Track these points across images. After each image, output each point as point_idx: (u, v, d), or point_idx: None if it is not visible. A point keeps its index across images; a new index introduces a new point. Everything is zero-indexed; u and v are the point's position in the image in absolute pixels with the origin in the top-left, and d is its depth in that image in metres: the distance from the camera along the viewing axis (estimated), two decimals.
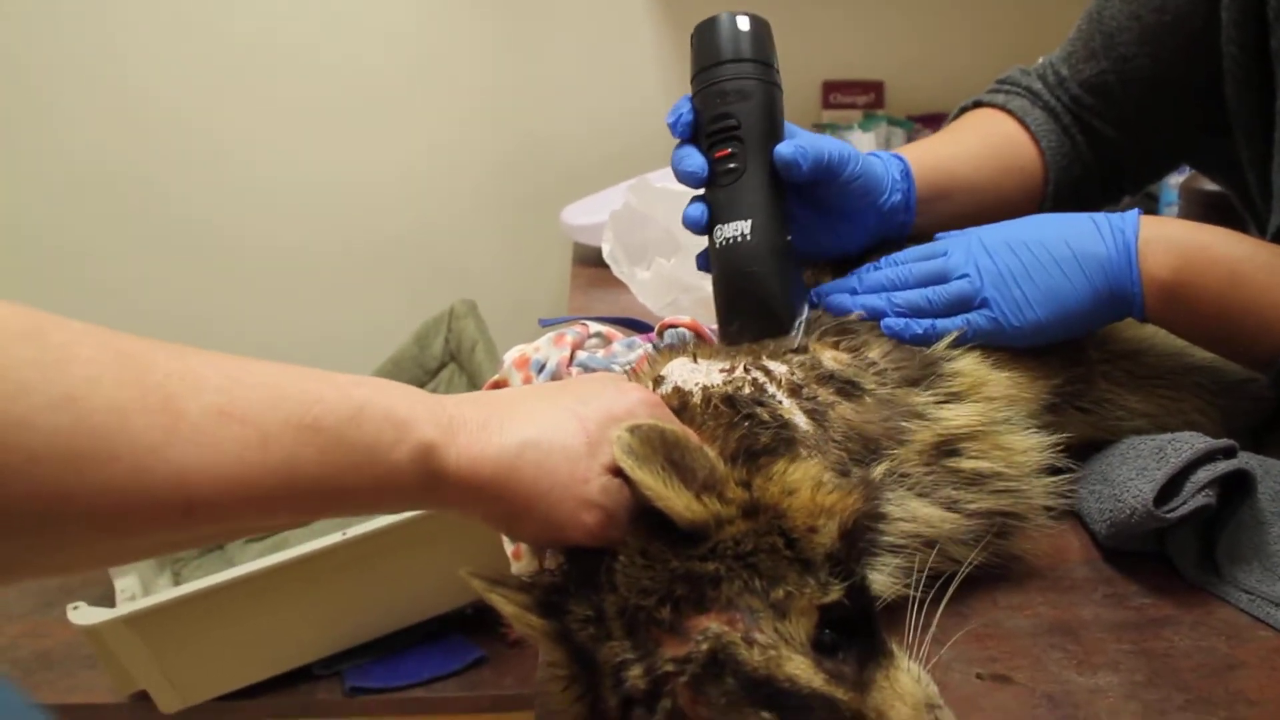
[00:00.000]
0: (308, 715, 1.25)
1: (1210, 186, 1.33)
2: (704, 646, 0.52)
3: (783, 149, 0.77)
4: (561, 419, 0.56)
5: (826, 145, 0.79)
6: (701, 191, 0.80)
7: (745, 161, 0.77)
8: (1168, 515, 0.67)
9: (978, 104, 1.06)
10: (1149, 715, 0.58)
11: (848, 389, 0.71)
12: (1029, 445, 0.72)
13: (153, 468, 0.42)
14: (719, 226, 0.78)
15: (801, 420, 0.67)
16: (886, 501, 0.65)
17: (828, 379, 0.71)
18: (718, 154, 0.78)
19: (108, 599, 1.20)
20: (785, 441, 0.63)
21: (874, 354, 0.75)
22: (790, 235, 0.79)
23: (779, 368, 0.71)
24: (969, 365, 0.75)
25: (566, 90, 2.10)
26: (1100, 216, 0.77)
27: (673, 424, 0.59)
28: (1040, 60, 1.06)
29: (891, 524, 0.64)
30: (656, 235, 1.21)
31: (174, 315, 2.09)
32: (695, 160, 0.78)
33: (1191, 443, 0.69)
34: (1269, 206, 0.91)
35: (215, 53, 1.98)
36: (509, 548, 0.81)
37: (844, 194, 0.82)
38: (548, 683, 0.58)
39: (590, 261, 1.58)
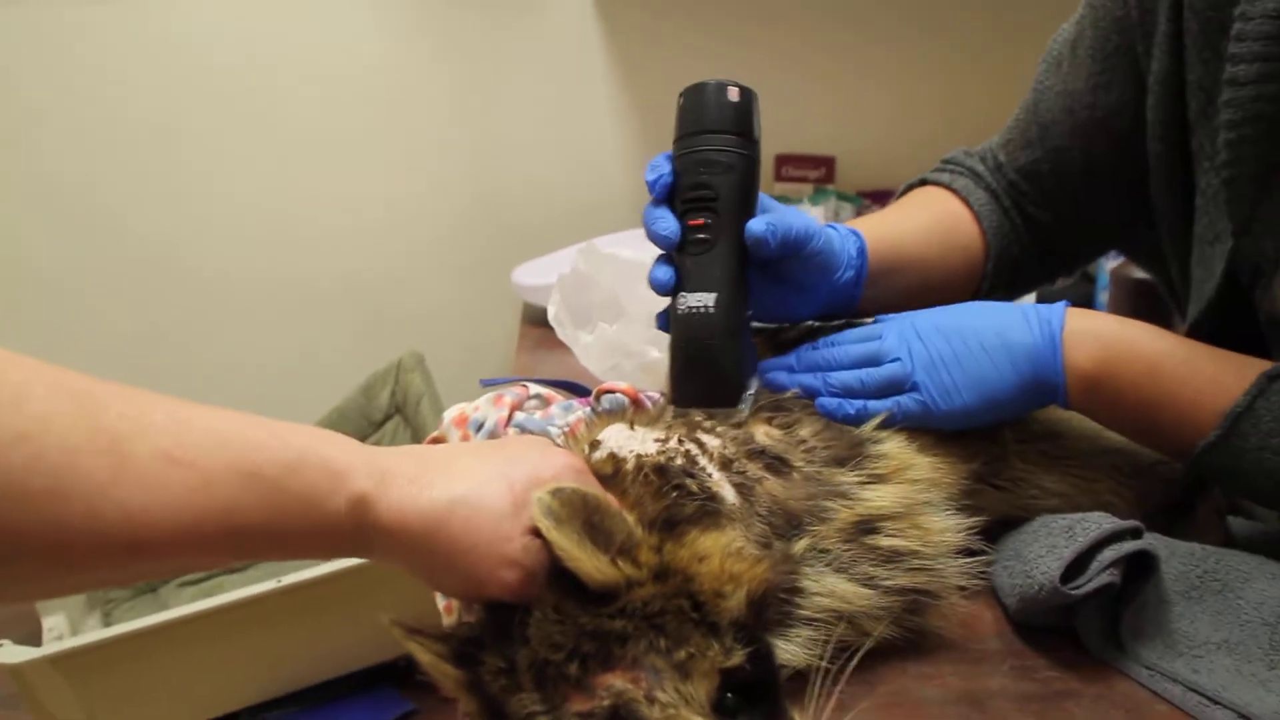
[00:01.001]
0: None
1: (1139, 274, 1.39)
2: (606, 703, 0.54)
3: (755, 226, 0.78)
4: (490, 479, 0.58)
5: (794, 221, 0.81)
6: (668, 254, 0.81)
7: (718, 234, 0.78)
8: (1073, 592, 0.69)
9: (924, 182, 1.10)
10: None
11: (776, 465, 0.73)
12: (946, 526, 0.74)
13: (101, 508, 0.44)
14: (683, 295, 0.79)
15: (729, 493, 0.69)
16: (805, 576, 0.67)
17: (758, 454, 0.73)
18: (691, 222, 0.79)
19: (34, 638, 1.19)
20: (710, 514, 0.65)
21: (805, 432, 0.78)
22: (749, 310, 0.81)
23: (712, 441, 0.73)
24: (895, 448, 0.77)
25: (524, 151, 2.13)
26: (1029, 307, 0.80)
27: (595, 489, 0.61)
28: (981, 145, 1.11)
29: (808, 598, 0.67)
30: (602, 300, 1.23)
31: (125, 336, 2.09)
32: (669, 225, 0.79)
33: (1099, 523, 0.72)
34: (1190, 297, 0.95)
35: (178, 86, 2.00)
36: (441, 602, 0.82)
37: (802, 268, 0.84)
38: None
39: (539, 322, 1.60)
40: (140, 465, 0.45)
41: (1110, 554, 0.70)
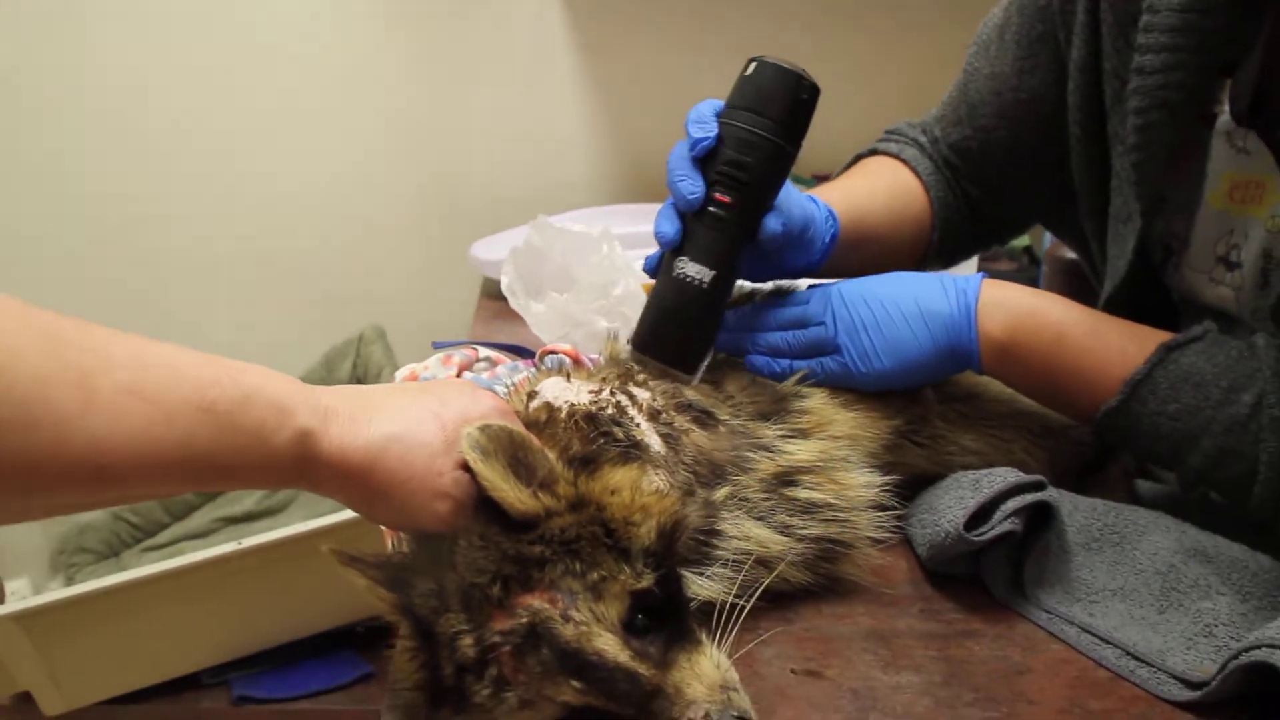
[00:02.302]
0: None
1: (1071, 255, 1.44)
2: (524, 620, 0.58)
3: (772, 223, 0.81)
4: (423, 417, 0.62)
5: (797, 216, 0.85)
6: (680, 211, 0.82)
7: (737, 216, 0.80)
8: (976, 539, 0.74)
9: (873, 151, 1.15)
10: (939, 709, 0.65)
11: (703, 418, 0.77)
12: (862, 482, 0.79)
13: (69, 437, 0.48)
14: (683, 259, 0.80)
15: (656, 442, 0.73)
16: (723, 520, 0.72)
17: (686, 407, 0.78)
18: (717, 195, 0.79)
19: None
20: (632, 459, 0.70)
21: (732, 388, 0.83)
22: (734, 285, 0.84)
23: (642, 394, 0.78)
24: (817, 404, 0.82)
25: (484, 129, 2.15)
26: (949, 278, 0.85)
27: (518, 429, 0.66)
28: (920, 118, 1.15)
29: (726, 541, 0.71)
30: (552, 271, 1.27)
31: (84, 310, 2.06)
32: (697, 187, 0.80)
33: (1004, 476, 0.77)
34: (1106, 274, 1.00)
35: (135, 62, 2.00)
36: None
37: (784, 249, 0.88)
38: (396, 655, 0.64)
39: (496, 295, 1.62)
40: (106, 399, 0.49)
41: (1013, 504, 0.75)
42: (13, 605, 1.11)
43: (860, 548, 0.78)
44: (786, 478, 0.76)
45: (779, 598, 0.75)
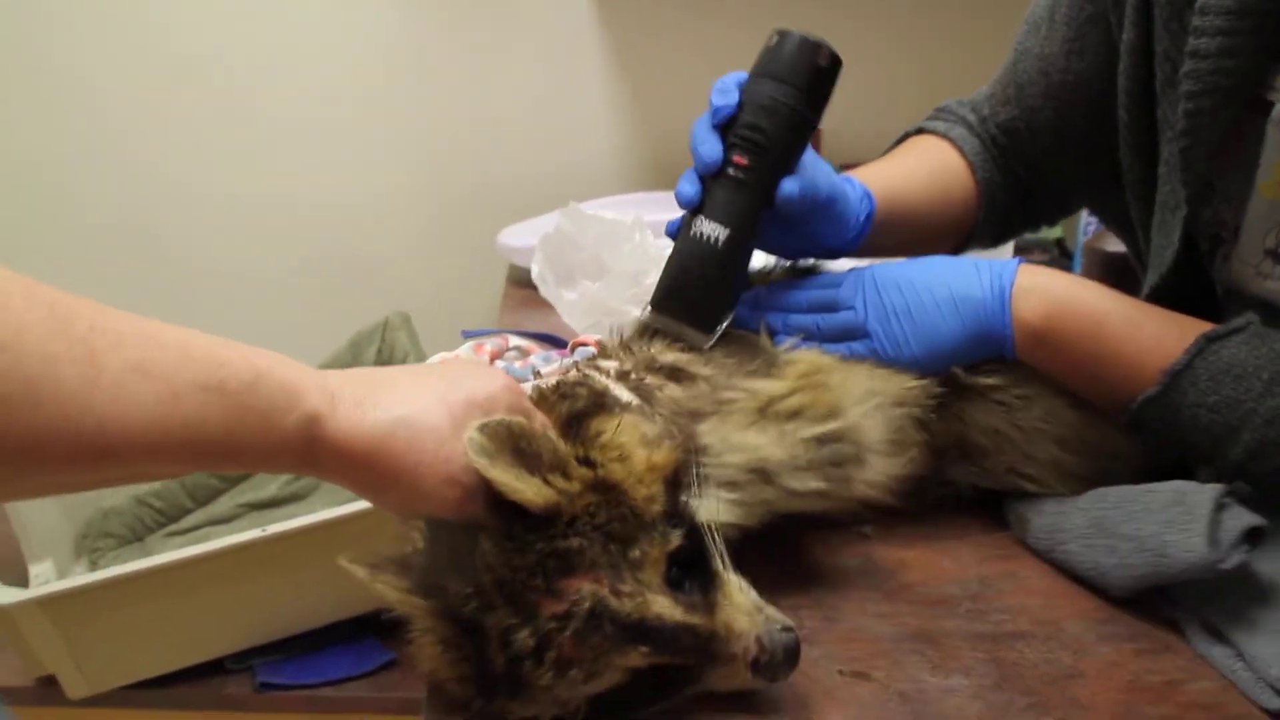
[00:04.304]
0: (217, 708, 1.26)
1: (1110, 248, 1.42)
2: (586, 605, 0.58)
3: (789, 187, 0.81)
4: (430, 401, 0.60)
5: (823, 185, 0.85)
6: (701, 175, 0.83)
7: (754, 178, 0.81)
8: (1220, 567, 0.68)
9: (920, 130, 1.13)
10: (992, 713, 0.63)
11: (678, 374, 0.77)
12: (849, 376, 0.78)
13: (76, 415, 0.46)
14: (700, 218, 0.82)
15: (625, 395, 0.73)
16: (708, 434, 0.71)
17: (659, 369, 0.77)
18: (735, 158, 0.81)
19: (21, 582, 1.21)
20: (604, 405, 0.69)
21: (718, 352, 0.81)
22: (753, 250, 0.85)
23: (608, 363, 0.78)
24: (807, 355, 0.81)
25: (511, 117, 2.14)
26: (984, 263, 0.83)
27: (526, 409, 0.65)
28: (971, 95, 1.14)
29: (718, 457, 0.70)
30: (584, 259, 1.25)
31: (109, 278, 2.07)
32: (714, 150, 0.81)
33: (1204, 490, 0.71)
34: (1151, 263, 0.98)
35: (168, 66, 1.99)
36: None
37: (815, 223, 0.88)
38: (425, 651, 0.63)
39: (524, 283, 1.62)
40: (113, 377, 0.48)
41: (1233, 523, 0.69)
42: (37, 590, 1.11)
43: (871, 456, 0.75)
44: (768, 406, 0.75)
45: (813, 583, 0.73)
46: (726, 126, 0.82)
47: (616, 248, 1.24)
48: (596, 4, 2.05)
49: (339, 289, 2.19)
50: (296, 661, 1.29)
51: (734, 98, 0.82)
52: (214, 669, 1.26)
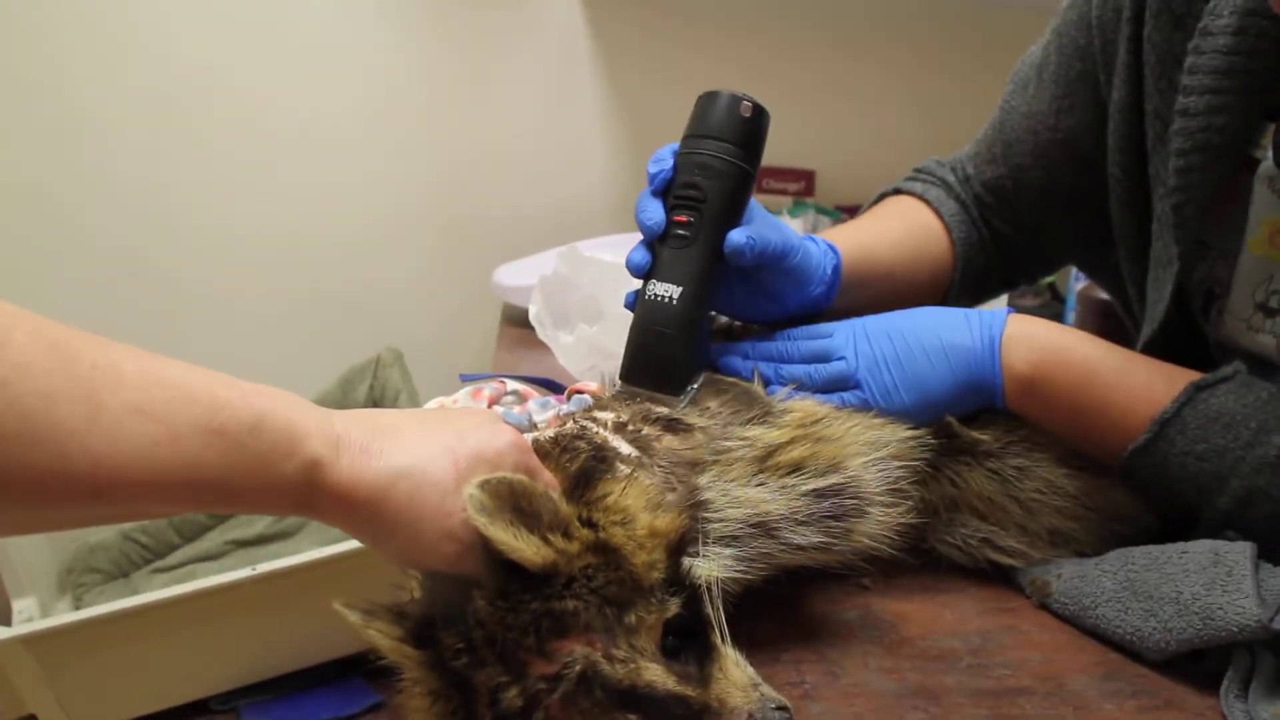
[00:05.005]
0: None
1: (1104, 295, 1.42)
2: (577, 668, 0.58)
3: (735, 237, 0.83)
4: (436, 454, 0.60)
5: (773, 237, 0.85)
6: (650, 241, 0.86)
7: (697, 234, 0.83)
8: (1274, 626, 0.66)
9: (897, 191, 1.14)
10: None
11: (674, 425, 0.76)
12: (850, 426, 0.78)
13: (72, 454, 0.46)
14: (653, 281, 0.84)
15: (625, 448, 0.72)
16: (709, 489, 0.71)
17: (655, 420, 0.77)
18: (676, 218, 0.83)
19: (3, 618, 1.19)
20: (601, 460, 0.69)
21: (712, 403, 0.81)
22: (712, 310, 0.85)
23: (604, 414, 0.77)
24: (804, 404, 0.81)
25: (507, 153, 2.15)
26: (974, 313, 0.84)
27: (533, 468, 0.65)
28: (953, 155, 1.14)
29: (719, 511, 0.70)
30: (582, 301, 1.25)
31: (108, 334, 2.06)
32: (656, 215, 0.84)
33: (1241, 551, 0.71)
34: (1144, 318, 0.99)
35: (162, 90, 2.00)
36: None
37: (776, 278, 0.88)
38: (414, 701, 0.63)
39: (518, 322, 1.62)
40: (113, 417, 0.48)
41: (1274, 581, 0.69)
42: (20, 628, 1.09)
43: (871, 504, 0.75)
44: (767, 456, 0.75)
45: (814, 636, 0.72)
46: (666, 191, 0.85)
47: (614, 290, 1.24)
48: (595, 40, 2.06)
49: (331, 321, 2.19)
50: (283, 702, 1.26)
51: (669, 163, 0.85)
52: (199, 709, 1.23)
